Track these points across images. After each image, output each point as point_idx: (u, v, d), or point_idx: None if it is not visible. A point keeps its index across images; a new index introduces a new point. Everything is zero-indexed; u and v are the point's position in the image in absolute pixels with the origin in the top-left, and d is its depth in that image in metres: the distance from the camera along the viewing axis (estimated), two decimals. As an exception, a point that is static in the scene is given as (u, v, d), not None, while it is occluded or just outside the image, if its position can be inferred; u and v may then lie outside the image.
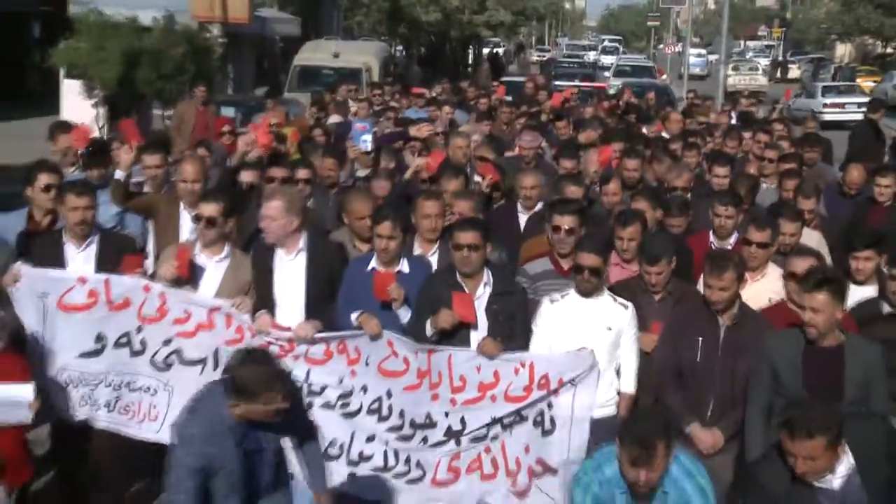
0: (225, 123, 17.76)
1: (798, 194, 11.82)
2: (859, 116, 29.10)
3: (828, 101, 46.66)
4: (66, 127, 12.50)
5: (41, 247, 9.10)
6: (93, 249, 8.97)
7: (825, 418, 6.75)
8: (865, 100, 38.24)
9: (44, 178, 9.70)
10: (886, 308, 8.68)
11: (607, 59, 78.87)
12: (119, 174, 10.60)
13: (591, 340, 8.34)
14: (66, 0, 32.49)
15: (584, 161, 13.27)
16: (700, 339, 8.17)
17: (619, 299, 8.59)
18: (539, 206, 10.85)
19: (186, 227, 9.73)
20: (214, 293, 8.87)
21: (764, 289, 9.17)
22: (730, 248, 9.94)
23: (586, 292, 8.38)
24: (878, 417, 7.27)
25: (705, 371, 8.07)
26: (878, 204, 12.38)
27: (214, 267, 8.97)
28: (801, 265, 8.43)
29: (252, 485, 6.98)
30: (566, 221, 9.03)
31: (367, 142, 14.03)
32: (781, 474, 6.77)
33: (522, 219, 10.96)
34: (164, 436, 8.60)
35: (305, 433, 7.41)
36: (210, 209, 8.84)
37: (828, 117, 41.02)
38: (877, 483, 6.80)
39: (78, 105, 24.99)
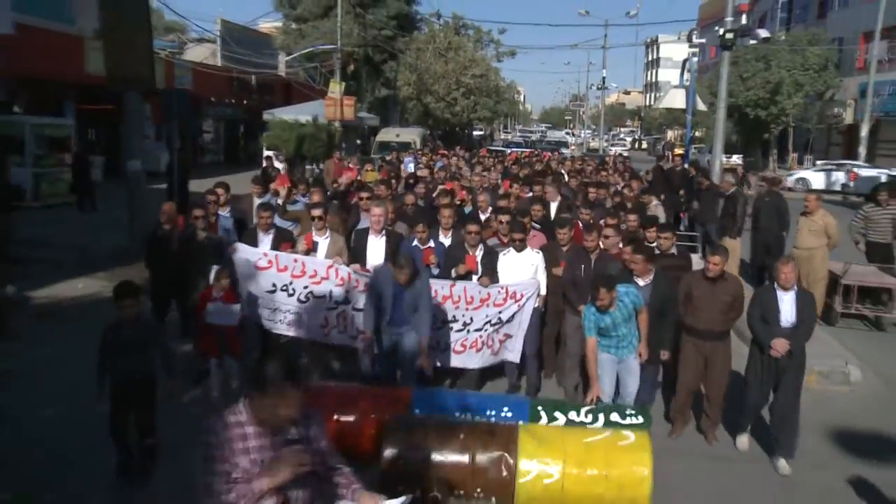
0: (350, 170, 18.15)
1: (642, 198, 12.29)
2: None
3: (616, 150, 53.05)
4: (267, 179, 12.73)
5: (248, 235, 9.32)
6: (271, 236, 9.11)
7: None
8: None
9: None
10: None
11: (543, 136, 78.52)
12: (278, 201, 11.27)
13: (524, 272, 8.48)
14: (259, 111, 32.89)
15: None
16: (582, 265, 8.30)
17: (535, 250, 8.66)
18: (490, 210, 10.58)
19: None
20: (324, 255, 8.83)
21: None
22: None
23: (518, 250, 8.53)
24: (666, 279, 7.70)
25: (585, 280, 8.08)
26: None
27: (322, 242, 8.93)
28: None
29: (398, 314, 7.53)
30: (503, 219, 9.21)
31: (409, 166, 15.71)
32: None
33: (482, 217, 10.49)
34: (300, 335, 8.89)
35: (425, 302, 7.51)
36: (317, 212, 9.00)
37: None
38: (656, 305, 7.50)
39: (271, 163, 24.93)
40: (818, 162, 39.20)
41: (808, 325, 7.16)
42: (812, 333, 7.23)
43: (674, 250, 8.71)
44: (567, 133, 71.15)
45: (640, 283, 7.67)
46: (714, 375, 7.54)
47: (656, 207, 12.65)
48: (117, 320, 6.19)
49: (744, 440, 7.55)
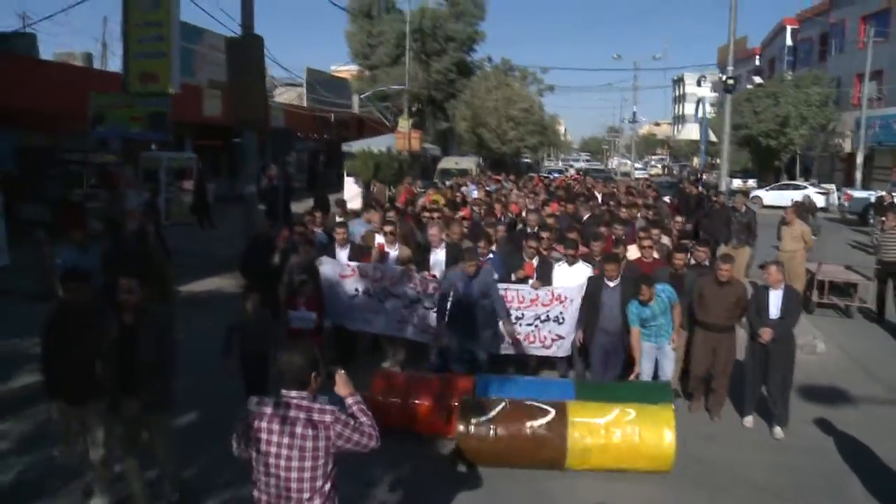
0: (414, 193, 18.57)
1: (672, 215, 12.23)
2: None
3: (637, 174, 50.75)
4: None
5: (326, 247, 9.41)
6: (347, 250, 9.23)
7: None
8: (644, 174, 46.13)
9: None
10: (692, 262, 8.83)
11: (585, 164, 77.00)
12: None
13: (575, 281, 8.47)
14: (339, 144, 32.83)
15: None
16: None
17: (586, 264, 8.70)
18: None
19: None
20: (394, 262, 9.07)
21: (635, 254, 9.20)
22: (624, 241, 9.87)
23: (571, 264, 8.66)
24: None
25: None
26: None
27: (393, 252, 9.17)
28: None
29: (470, 315, 7.79)
30: (544, 235, 9.31)
31: (473, 192, 16.66)
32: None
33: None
34: (380, 331, 9.11)
35: (494, 293, 7.86)
36: (389, 227, 9.34)
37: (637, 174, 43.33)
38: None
39: (351, 186, 26.26)
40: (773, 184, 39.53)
41: (791, 316, 7.34)
42: (796, 323, 7.43)
43: (706, 262, 8.89)
44: (623, 162, 70.31)
45: (611, 284, 7.85)
46: (720, 363, 7.70)
47: (641, 220, 12.26)
48: (242, 308, 7.02)
49: (749, 419, 7.68)
